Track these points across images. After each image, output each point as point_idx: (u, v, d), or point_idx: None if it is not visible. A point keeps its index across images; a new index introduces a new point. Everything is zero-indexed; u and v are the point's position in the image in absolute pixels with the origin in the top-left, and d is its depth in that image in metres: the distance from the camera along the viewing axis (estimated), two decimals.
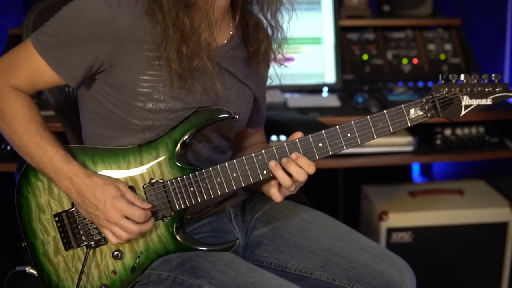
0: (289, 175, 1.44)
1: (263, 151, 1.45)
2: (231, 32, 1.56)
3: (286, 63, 1.63)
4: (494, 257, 2.55)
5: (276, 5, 1.54)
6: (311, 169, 1.44)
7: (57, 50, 1.42)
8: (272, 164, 1.44)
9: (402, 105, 1.45)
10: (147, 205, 1.44)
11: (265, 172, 1.46)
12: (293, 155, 1.44)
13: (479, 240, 2.53)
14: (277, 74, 1.64)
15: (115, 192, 1.41)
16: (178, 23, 1.40)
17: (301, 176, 1.44)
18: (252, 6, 1.57)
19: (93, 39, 1.40)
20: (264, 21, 1.58)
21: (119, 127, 1.49)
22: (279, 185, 1.48)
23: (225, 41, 1.55)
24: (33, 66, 1.44)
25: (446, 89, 1.45)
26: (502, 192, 2.63)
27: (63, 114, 1.78)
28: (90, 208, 1.42)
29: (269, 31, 1.58)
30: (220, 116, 1.49)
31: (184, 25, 1.41)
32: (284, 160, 1.44)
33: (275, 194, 1.48)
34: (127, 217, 1.41)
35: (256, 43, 1.58)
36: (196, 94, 1.48)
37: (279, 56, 1.61)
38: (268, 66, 1.68)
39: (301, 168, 1.44)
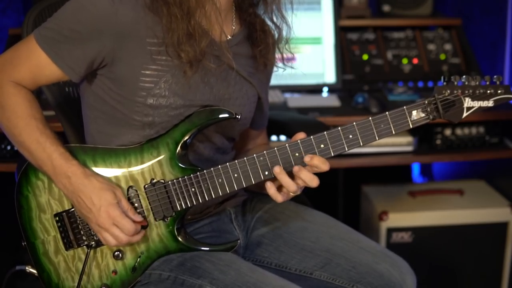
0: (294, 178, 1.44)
1: (264, 151, 1.45)
2: (233, 28, 1.56)
3: (288, 63, 1.63)
4: (494, 257, 2.56)
5: (280, 3, 1.54)
6: (326, 166, 1.44)
7: (59, 44, 1.42)
8: (277, 170, 1.43)
9: (404, 107, 1.44)
10: (139, 218, 1.44)
11: (266, 173, 1.45)
12: (307, 158, 1.43)
13: (479, 240, 2.53)
14: (283, 66, 1.64)
15: (112, 199, 1.41)
16: (184, 3, 1.40)
17: (314, 183, 1.44)
18: (257, 7, 1.57)
19: (95, 33, 1.40)
20: (270, 22, 1.58)
21: (120, 124, 1.48)
22: (280, 186, 1.47)
23: (229, 37, 1.54)
24: (35, 61, 1.44)
25: (448, 91, 1.45)
26: (502, 192, 2.64)
27: (63, 114, 1.78)
28: (84, 209, 1.42)
29: (275, 31, 1.58)
30: (221, 116, 1.48)
31: (190, 2, 1.41)
32: (296, 168, 1.43)
33: (275, 195, 1.47)
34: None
35: (264, 43, 1.58)
36: (197, 90, 1.48)
37: (287, 55, 1.61)
38: (272, 68, 1.67)
39: (317, 167, 1.43)
